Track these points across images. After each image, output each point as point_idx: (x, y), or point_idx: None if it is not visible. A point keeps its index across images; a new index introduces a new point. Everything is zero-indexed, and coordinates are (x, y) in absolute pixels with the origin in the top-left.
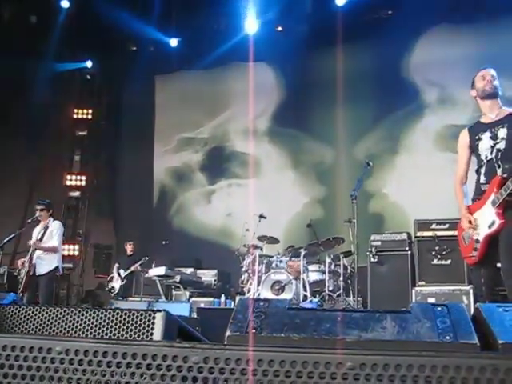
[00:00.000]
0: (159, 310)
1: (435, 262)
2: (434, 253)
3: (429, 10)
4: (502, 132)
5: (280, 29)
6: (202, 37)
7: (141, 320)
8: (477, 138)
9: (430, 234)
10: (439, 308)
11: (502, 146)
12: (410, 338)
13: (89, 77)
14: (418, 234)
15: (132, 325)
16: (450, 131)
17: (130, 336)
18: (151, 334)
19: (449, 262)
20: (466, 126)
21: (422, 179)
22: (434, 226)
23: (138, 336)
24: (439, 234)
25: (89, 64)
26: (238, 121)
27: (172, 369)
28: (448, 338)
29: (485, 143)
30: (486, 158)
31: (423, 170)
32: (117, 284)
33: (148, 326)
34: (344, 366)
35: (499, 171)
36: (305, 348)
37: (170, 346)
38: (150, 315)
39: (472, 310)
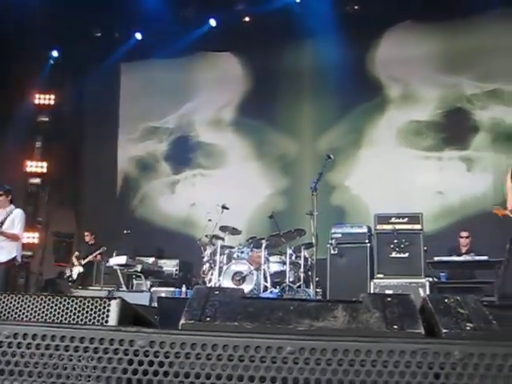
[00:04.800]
0: (114, 298)
1: (393, 254)
2: (392, 246)
3: (395, 6)
4: None
5: (247, 19)
6: (168, 26)
7: (96, 307)
8: None
9: (389, 227)
10: (389, 299)
11: None
12: (359, 327)
13: (52, 62)
14: (378, 227)
15: (87, 312)
16: (412, 127)
17: (85, 324)
18: (106, 322)
19: (407, 255)
20: (428, 122)
21: (384, 173)
22: (393, 220)
23: (93, 323)
24: (398, 227)
25: (55, 53)
26: (203, 111)
27: (119, 352)
28: (395, 327)
29: None
30: None
31: (385, 164)
32: (76, 273)
33: (103, 313)
34: (284, 351)
35: None
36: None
37: (117, 330)
38: (104, 302)
39: None
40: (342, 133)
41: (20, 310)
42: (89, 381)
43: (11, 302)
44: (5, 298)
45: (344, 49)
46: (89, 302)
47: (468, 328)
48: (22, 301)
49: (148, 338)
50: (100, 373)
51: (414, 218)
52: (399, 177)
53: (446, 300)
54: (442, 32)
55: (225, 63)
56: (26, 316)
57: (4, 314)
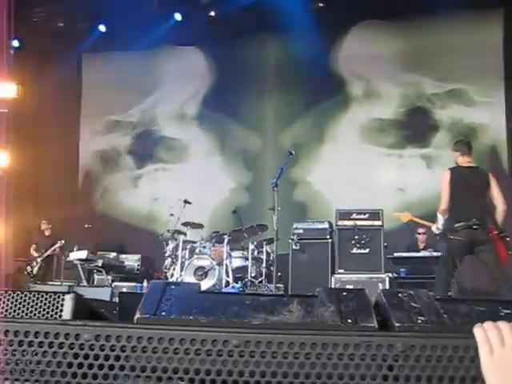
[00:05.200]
0: (68, 292)
1: (354, 250)
2: (353, 242)
3: (358, 5)
4: None
5: (212, 14)
6: (133, 18)
7: (49, 302)
8: None
9: (350, 223)
10: (344, 293)
11: None
12: (313, 321)
13: (12, 51)
14: (339, 223)
15: (40, 307)
16: (374, 124)
17: (39, 319)
18: (60, 317)
19: (367, 250)
20: (390, 120)
21: (346, 170)
22: (354, 216)
23: (47, 318)
24: (359, 223)
25: (15, 43)
26: (167, 105)
27: (64, 346)
28: (350, 321)
29: None
30: None
31: (347, 160)
32: (36, 268)
33: (57, 308)
34: (230, 344)
35: None
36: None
37: (63, 324)
38: (58, 297)
39: None
40: (305, 128)
41: None
42: (32, 376)
43: None
44: None
45: (308, 45)
46: (42, 296)
47: (420, 321)
48: None
49: (94, 332)
50: (45, 367)
51: (375, 215)
52: (361, 173)
53: (400, 294)
54: (404, 31)
55: (189, 57)
56: None
57: None
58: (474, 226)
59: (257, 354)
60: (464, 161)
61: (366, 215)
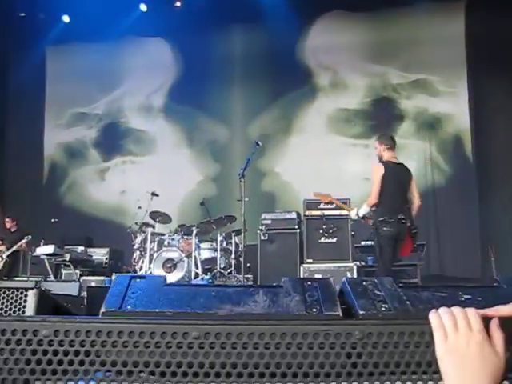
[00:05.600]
0: (32, 288)
1: (322, 240)
2: (321, 231)
3: None
4: None
5: (178, 4)
6: (97, 9)
7: (12, 298)
8: None
9: (318, 213)
10: (309, 283)
11: None
12: (279, 311)
13: None
14: (307, 212)
15: (3, 303)
16: (341, 115)
17: (1, 315)
18: (23, 312)
19: (335, 240)
20: (356, 110)
21: (313, 160)
22: (322, 206)
23: (9, 314)
24: (327, 213)
25: None
26: (133, 97)
27: (22, 343)
28: (314, 310)
29: None
30: None
31: (314, 151)
32: (1, 264)
33: (20, 303)
34: (190, 336)
35: None
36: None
37: (20, 321)
38: (21, 293)
39: None
40: (272, 119)
41: None
42: None
43: None
44: None
45: (274, 36)
46: (5, 292)
47: (383, 309)
48: None
49: (53, 327)
50: (1, 365)
51: (343, 204)
52: (328, 163)
53: (364, 283)
54: (369, 22)
55: (155, 48)
56: None
57: None
58: (403, 220)
59: (216, 345)
60: (391, 156)
61: (334, 205)
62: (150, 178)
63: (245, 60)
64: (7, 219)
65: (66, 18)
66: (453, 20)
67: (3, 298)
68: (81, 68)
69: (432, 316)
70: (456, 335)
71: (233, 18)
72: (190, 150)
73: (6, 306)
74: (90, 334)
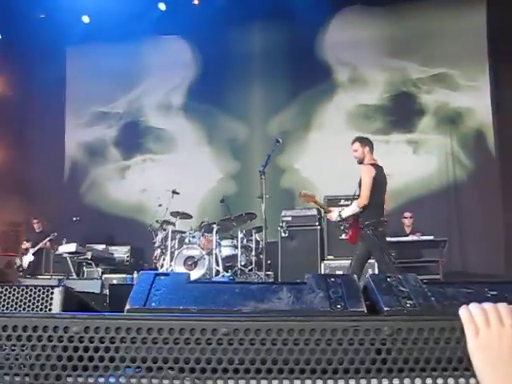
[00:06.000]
0: (57, 286)
1: (343, 236)
2: (342, 228)
3: None
4: None
5: (196, 2)
6: (117, 9)
7: (38, 296)
8: None
9: (338, 209)
10: (333, 279)
11: None
12: (303, 308)
13: None
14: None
15: (30, 301)
16: (360, 111)
17: (28, 312)
18: (49, 310)
19: None
20: (376, 106)
21: (333, 156)
22: (342, 202)
23: (36, 312)
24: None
25: None
26: (152, 95)
27: (53, 339)
28: (339, 306)
29: None
30: None
31: (334, 147)
32: (25, 261)
33: (46, 301)
34: (219, 332)
35: None
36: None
37: (51, 317)
38: (47, 291)
39: None
40: (291, 116)
41: None
42: (22, 370)
43: None
44: None
45: (293, 32)
46: (31, 290)
47: (408, 305)
48: None
49: (83, 324)
50: (34, 361)
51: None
52: (348, 160)
53: (388, 279)
54: (389, 16)
55: (174, 47)
56: None
57: None
58: (386, 222)
59: (246, 341)
60: (372, 158)
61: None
62: (170, 176)
63: (264, 57)
64: (34, 220)
65: (85, 19)
66: (474, 12)
67: (30, 295)
68: (101, 67)
69: (462, 311)
70: (488, 330)
71: (251, 14)
72: (210, 148)
73: (33, 304)
74: (119, 331)
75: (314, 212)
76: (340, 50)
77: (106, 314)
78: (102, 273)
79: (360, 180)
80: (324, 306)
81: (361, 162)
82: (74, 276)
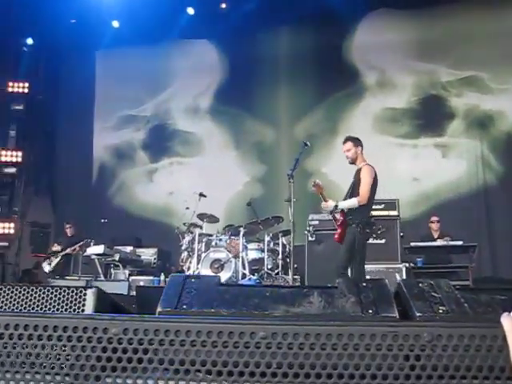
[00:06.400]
0: (90, 287)
1: (370, 240)
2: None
3: None
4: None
5: (224, 6)
6: (143, 13)
7: (72, 297)
8: None
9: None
10: (364, 284)
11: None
12: (334, 312)
13: (25, 49)
14: None
15: (63, 301)
16: (388, 114)
17: (62, 313)
18: (82, 311)
19: (383, 241)
20: (404, 109)
21: None
22: None
23: (69, 313)
24: (375, 213)
25: (29, 41)
26: (180, 99)
27: (92, 340)
28: (370, 311)
29: None
30: None
31: None
32: (54, 263)
33: (79, 302)
34: (257, 336)
35: None
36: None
37: (90, 319)
38: (81, 292)
39: None
40: (318, 120)
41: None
42: (62, 369)
43: None
44: None
45: (320, 36)
46: (65, 291)
47: (441, 311)
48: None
49: (122, 326)
50: (74, 361)
51: (391, 205)
52: (375, 163)
53: (420, 284)
54: (417, 19)
55: (201, 51)
56: (5, 305)
57: None
58: (374, 224)
59: (273, 345)
60: (364, 158)
61: (382, 205)
62: (197, 180)
63: (291, 60)
64: (67, 225)
65: (115, 23)
66: (504, 14)
67: (63, 296)
68: (129, 71)
69: (504, 319)
70: None
71: (279, 18)
72: (237, 151)
73: (66, 305)
74: (158, 333)
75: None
76: (368, 54)
77: (144, 316)
78: (129, 275)
79: (356, 180)
80: (355, 311)
81: (353, 161)
82: (102, 277)
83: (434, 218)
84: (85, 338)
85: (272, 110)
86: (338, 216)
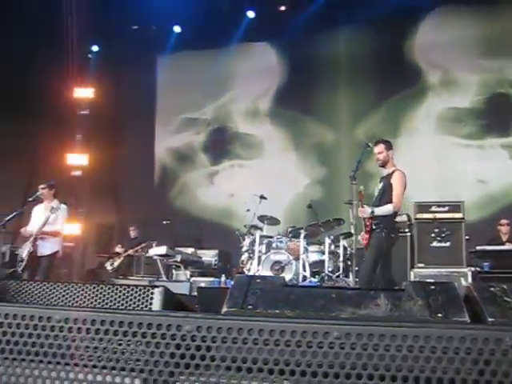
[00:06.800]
0: (157, 286)
1: (434, 244)
2: (433, 235)
3: None
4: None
5: (283, 8)
6: (203, 17)
7: (140, 295)
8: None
9: (429, 216)
10: (432, 287)
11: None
12: (402, 315)
13: (90, 56)
14: (418, 215)
15: (131, 300)
16: (451, 114)
17: (130, 311)
18: (149, 309)
19: (448, 244)
20: (468, 109)
21: (423, 161)
22: (433, 209)
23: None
24: (439, 216)
25: (95, 48)
26: (240, 102)
27: (166, 337)
28: (439, 315)
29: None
30: None
31: (424, 152)
32: (116, 263)
33: (146, 300)
34: (331, 336)
35: None
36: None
37: (165, 316)
38: (148, 290)
39: None
40: (379, 121)
41: (66, 298)
42: (138, 365)
43: (57, 290)
44: (51, 286)
45: (381, 35)
46: (133, 289)
47: None
48: (68, 289)
49: (195, 323)
50: (148, 357)
51: (455, 207)
52: (439, 165)
53: (492, 288)
54: (482, 15)
55: (261, 53)
56: (76, 302)
57: (55, 301)
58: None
59: (358, 346)
60: (394, 163)
61: (446, 208)
62: (257, 182)
63: (350, 61)
64: (131, 227)
65: (177, 29)
66: None
67: (131, 294)
68: (190, 75)
69: None
70: None
71: (338, 19)
72: (297, 154)
73: (134, 303)
74: (231, 331)
75: (405, 218)
76: (431, 52)
77: (218, 314)
78: (191, 276)
79: (387, 185)
80: (424, 314)
81: (383, 165)
82: (164, 278)
83: (504, 221)
84: (159, 335)
85: (332, 111)
86: (367, 222)
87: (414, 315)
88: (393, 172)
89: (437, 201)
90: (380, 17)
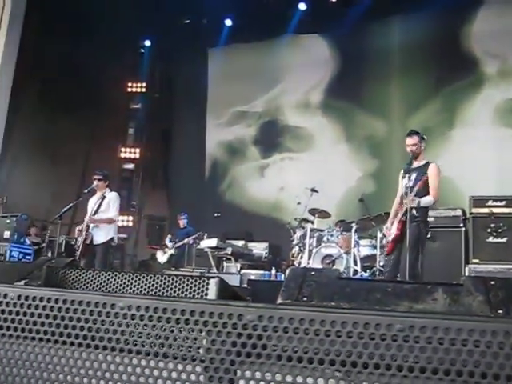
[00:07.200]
0: (213, 277)
1: (490, 239)
2: (489, 230)
3: None
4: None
5: (334, 0)
6: (255, 10)
7: (195, 286)
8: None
9: (485, 210)
10: (492, 282)
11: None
12: (461, 311)
13: (142, 50)
14: (473, 210)
15: (187, 290)
16: (509, 105)
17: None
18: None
19: (505, 239)
20: None
21: (479, 154)
22: (490, 203)
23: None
24: (495, 210)
25: (147, 43)
26: (291, 94)
27: (227, 326)
28: (500, 311)
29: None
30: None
31: (480, 144)
32: (168, 254)
33: (202, 291)
34: (394, 328)
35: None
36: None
37: (226, 305)
38: (204, 281)
39: None
40: (433, 112)
41: (124, 287)
42: (199, 352)
43: (115, 279)
44: (109, 275)
45: (436, 23)
46: (188, 280)
47: None
48: (126, 278)
49: (257, 313)
50: (209, 345)
51: None
52: (495, 158)
53: None
54: None
55: (312, 45)
56: (133, 292)
57: (113, 290)
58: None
59: (422, 339)
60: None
61: (504, 202)
62: (308, 175)
63: (403, 51)
64: (180, 217)
65: (228, 22)
66: None
67: (186, 284)
68: (241, 68)
69: None
70: None
71: (391, 9)
72: (348, 146)
73: (190, 293)
74: (292, 321)
75: (459, 213)
76: (488, 41)
77: (279, 304)
78: (241, 268)
79: (421, 176)
80: (484, 311)
81: (415, 156)
82: (215, 270)
83: None
84: (220, 324)
85: (384, 103)
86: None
87: (474, 311)
88: (427, 164)
89: (493, 195)
90: (434, 6)
